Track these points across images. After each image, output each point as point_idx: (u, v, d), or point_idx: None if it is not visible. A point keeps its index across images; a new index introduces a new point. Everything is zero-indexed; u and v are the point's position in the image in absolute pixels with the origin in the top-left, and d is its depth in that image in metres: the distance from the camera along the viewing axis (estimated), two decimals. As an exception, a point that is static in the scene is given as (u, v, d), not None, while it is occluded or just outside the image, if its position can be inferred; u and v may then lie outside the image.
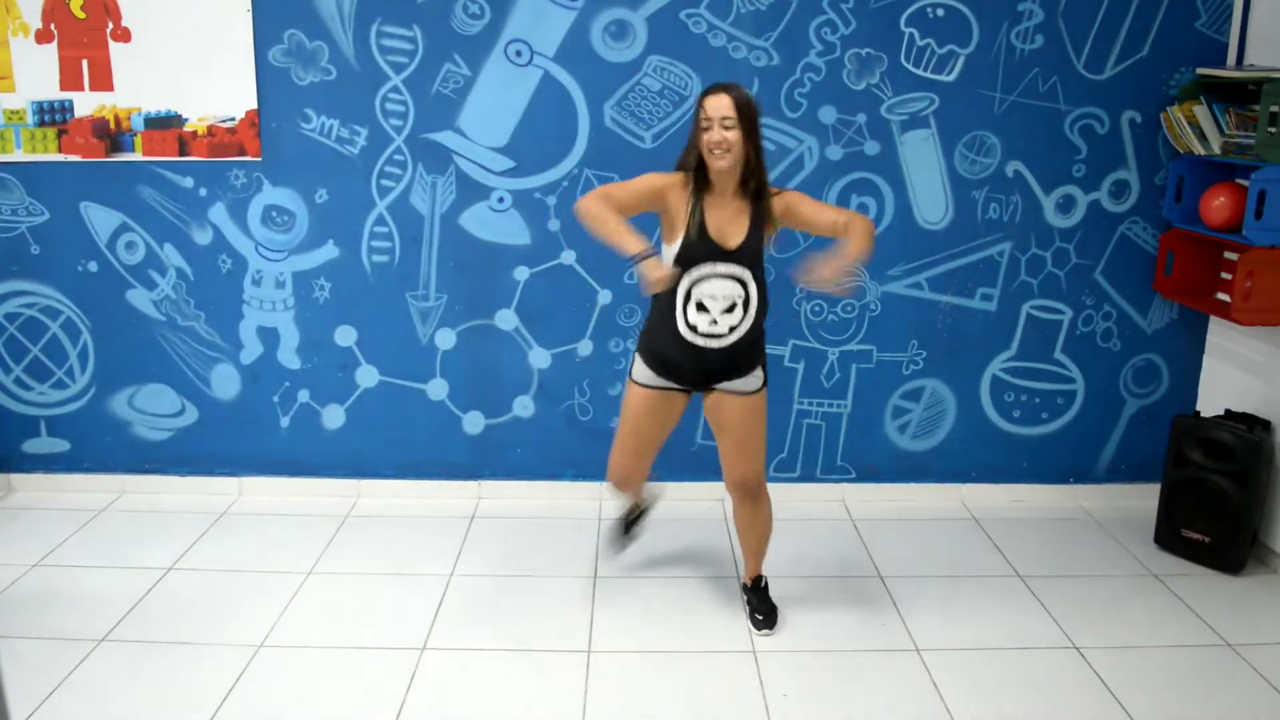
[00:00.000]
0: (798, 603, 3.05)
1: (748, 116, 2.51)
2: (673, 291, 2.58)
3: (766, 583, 2.98)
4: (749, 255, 2.57)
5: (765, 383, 2.75)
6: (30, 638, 2.78)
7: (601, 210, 2.50)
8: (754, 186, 2.58)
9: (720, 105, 2.49)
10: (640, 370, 2.74)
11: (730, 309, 2.57)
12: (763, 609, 2.91)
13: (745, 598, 2.99)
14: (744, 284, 2.58)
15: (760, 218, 2.59)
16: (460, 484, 3.77)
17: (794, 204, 2.63)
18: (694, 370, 2.67)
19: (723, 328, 2.59)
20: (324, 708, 2.52)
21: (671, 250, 2.58)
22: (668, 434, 2.83)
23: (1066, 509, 3.78)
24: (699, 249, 2.55)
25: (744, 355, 2.67)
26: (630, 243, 2.45)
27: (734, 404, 2.71)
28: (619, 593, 3.10)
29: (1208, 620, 2.98)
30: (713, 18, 3.41)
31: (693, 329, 2.59)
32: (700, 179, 2.58)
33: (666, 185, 2.59)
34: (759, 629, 2.88)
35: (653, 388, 2.72)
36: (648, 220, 2.70)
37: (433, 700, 2.56)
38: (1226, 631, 2.91)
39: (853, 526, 3.60)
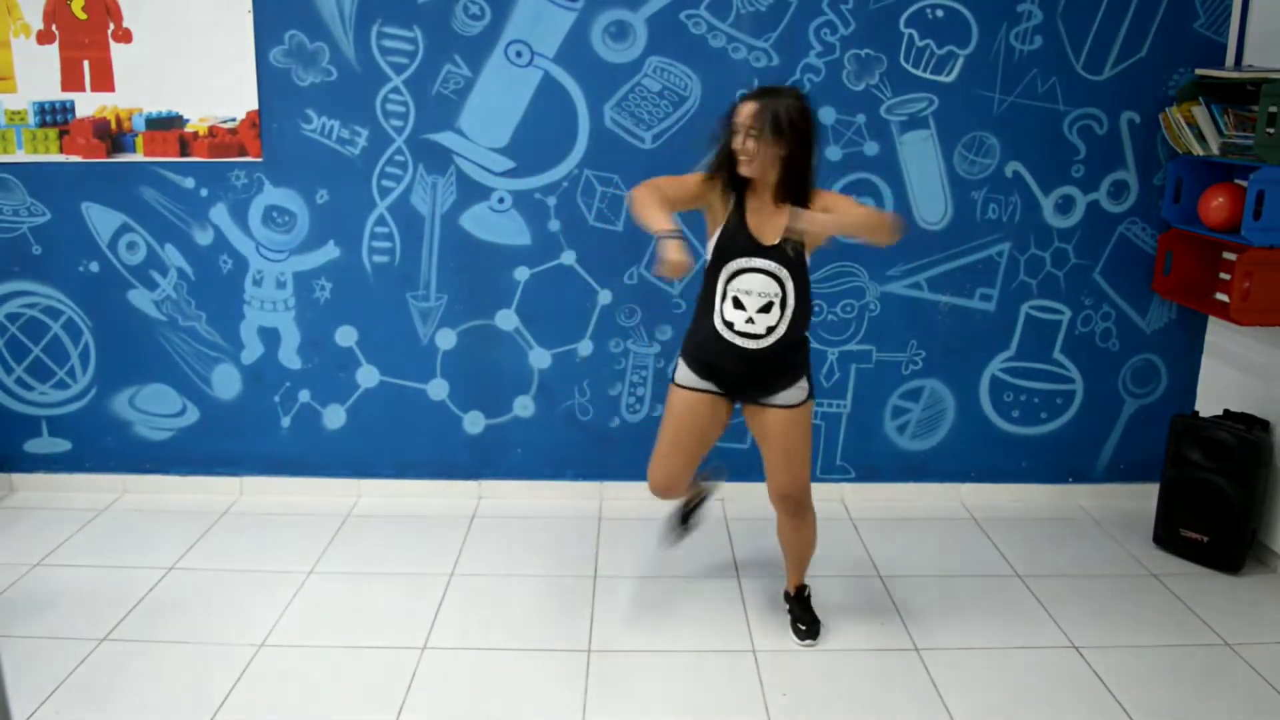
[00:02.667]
0: (797, 602, 3.06)
1: (775, 126, 2.45)
2: (711, 288, 2.59)
3: (810, 593, 2.94)
4: (784, 255, 2.54)
5: (811, 394, 2.69)
6: (31, 637, 2.79)
7: (645, 195, 2.47)
8: (796, 194, 2.53)
9: (744, 111, 2.48)
10: (682, 372, 2.70)
11: (767, 308, 2.54)
12: (805, 619, 2.88)
13: (788, 607, 2.95)
14: (781, 282, 2.54)
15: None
16: (460, 484, 3.78)
17: (831, 205, 2.57)
18: (734, 372, 2.62)
19: (759, 327, 2.55)
20: (324, 708, 2.53)
21: (711, 243, 2.60)
22: (710, 443, 2.75)
23: (1065, 509, 3.79)
24: (736, 240, 2.55)
25: (785, 362, 2.62)
26: (658, 221, 2.39)
27: (777, 416, 2.66)
28: (619, 593, 3.11)
29: (1206, 620, 2.99)
30: (713, 19, 3.41)
31: (729, 325, 2.57)
32: (741, 180, 2.56)
33: (712, 184, 2.59)
34: (801, 639, 2.85)
35: (694, 389, 2.68)
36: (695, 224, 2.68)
37: (433, 700, 2.56)
38: (1225, 631, 2.92)
39: (852, 526, 3.61)
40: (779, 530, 2.87)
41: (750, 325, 2.55)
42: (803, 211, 2.46)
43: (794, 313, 2.57)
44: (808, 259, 2.60)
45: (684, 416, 2.69)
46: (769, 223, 2.56)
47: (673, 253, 2.32)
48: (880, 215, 2.60)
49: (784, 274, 2.54)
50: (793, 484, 2.71)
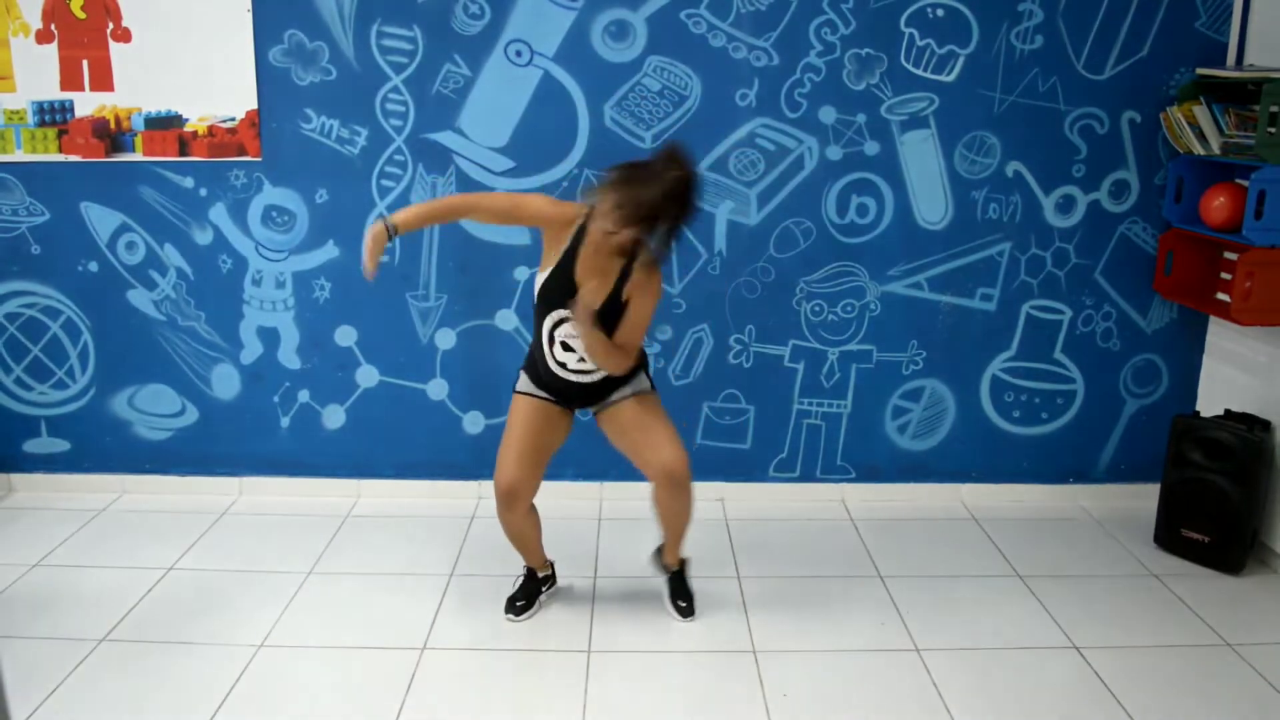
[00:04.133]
0: (798, 603, 3.05)
1: (650, 226, 2.48)
2: (539, 326, 2.69)
3: (689, 567, 3.02)
4: (602, 312, 2.59)
5: (652, 385, 2.83)
6: (30, 638, 2.78)
7: (447, 199, 2.69)
8: (634, 256, 2.59)
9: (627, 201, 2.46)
10: (522, 382, 2.82)
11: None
12: (685, 594, 2.97)
13: (666, 580, 3.01)
14: (608, 332, 2.62)
15: (623, 281, 2.61)
16: (460, 484, 3.77)
17: (640, 297, 2.62)
18: (574, 395, 2.77)
19: (590, 364, 2.67)
20: (324, 708, 2.53)
21: (540, 279, 2.66)
22: (552, 447, 2.82)
23: (1066, 509, 3.78)
24: (560, 289, 2.61)
25: (620, 379, 2.75)
26: (398, 215, 2.66)
27: (628, 405, 2.77)
28: (619, 593, 3.10)
29: (1207, 620, 2.98)
30: (713, 18, 3.41)
31: (562, 365, 2.69)
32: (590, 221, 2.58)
33: (552, 216, 2.64)
34: (684, 616, 2.93)
35: (534, 395, 2.78)
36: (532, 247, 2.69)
37: (433, 700, 2.56)
38: (1226, 631, 2.92)
39: (852, 526, 3.61)
40: (656, 504, 2.85)
41: (582, 363, 2.67)
42: (580, 305, 2.52)
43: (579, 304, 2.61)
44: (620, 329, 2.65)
45: (523, 418, 2.76)
46: (596, 274, 2.60)
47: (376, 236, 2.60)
48: (618, 357, 2.63)
49: (601, 328, 2.60)
50: (674, 458, 2.72)
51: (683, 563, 3.01)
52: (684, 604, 2.95)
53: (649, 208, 2.44)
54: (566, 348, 2.66)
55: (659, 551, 3.04)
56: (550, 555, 3.06)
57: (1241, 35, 3.44)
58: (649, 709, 2.54)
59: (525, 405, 2.78)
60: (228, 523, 3.56)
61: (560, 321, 2.65)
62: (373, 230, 2.65)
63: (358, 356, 3.67)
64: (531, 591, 3.00)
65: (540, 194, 2.72)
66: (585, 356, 2.65)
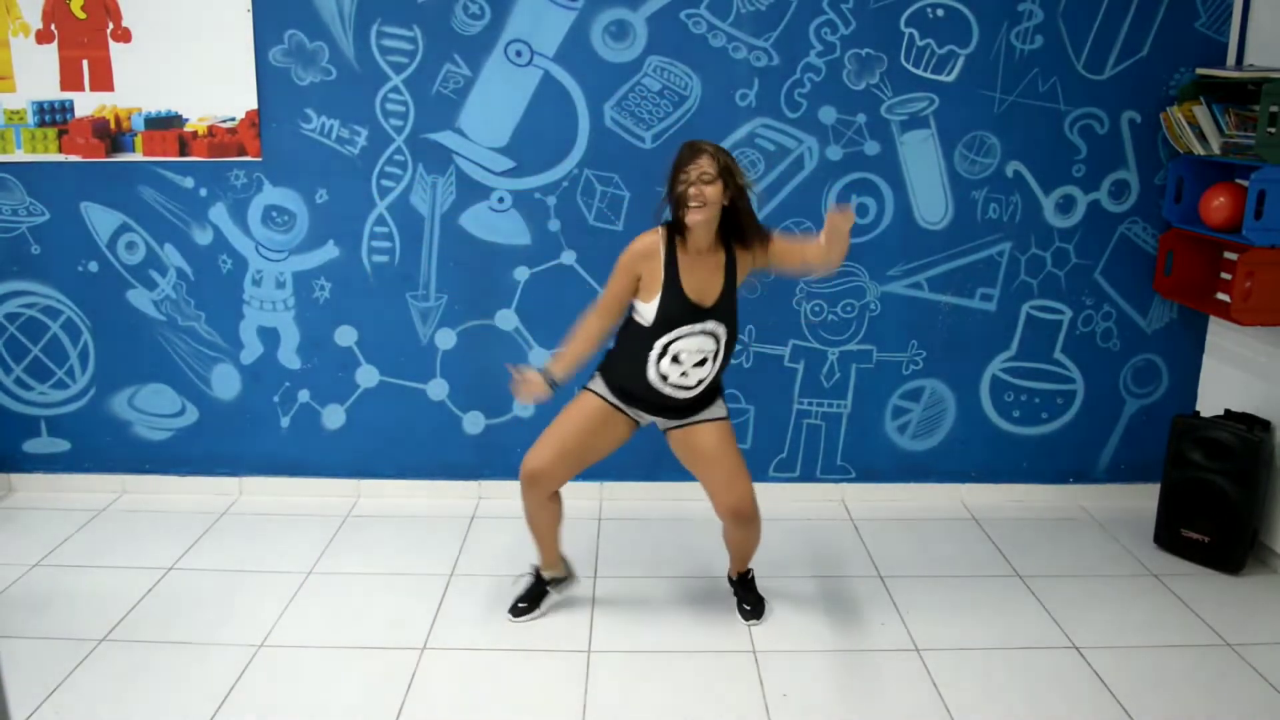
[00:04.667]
0: (798, 603, 3.06)
1: (726, 173, 2.53)
2: (646, 343, 2.63)
3: (754, 575, 3.04)
4: (724, 310, 2.63)
5: (727, 414, 2.81)
6: (31, 637, 2.79)
7: (579, 331, 2.73)
8: (736, 236, 2.63)
9: (700, 164, 2.51)
10: (597, 383, 2.77)
11: (701, 363, 2.64)
12: (750, 599, 2.99)
13: (732, 590, 3.04)
14: (718, 338, 2.65)
15: (734, 267, 2.64)
16: (460, 484, 3.77)
17: (778, 253, 2.68)
18: (655, 407, 2.73)
19: (692, 380, 2.65)
20: (324, 708, 2.53)
21: (649, 308, 2.62)
22: (599, 454, 2.79)
23: (1066, 509, 3.78)
24: (676, 310, 2.60)
25: (703, 398, 2.73)
26: (562, 363, 2.73)
27: (708, 429, 2.74)
28: (619, 593, 3.10)
29: (1207, 620, 2.98)
30: (713, 18, 3.41)
31: (663, 378, 2.65)
32: (676, 234, 2.60)
33: (638, 259, 2.62)
34: (746, 619, 2.95)
35: (606, 400, 2.74)
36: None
37: (433, 700, 2.56)
38: (1226, 631, 2.92)
39: (852, 526, 3.61)
40: (726, 536, 2.89)
41: (684, 378, 2.65)
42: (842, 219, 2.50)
43: (723, 361, 2.69)
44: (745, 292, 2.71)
45: (581, 419, 2.74)
46: (707, 280, 2.62)
47: (528, 386, 2.70)
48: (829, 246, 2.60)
49: (721, 330, 2.64)
50: (742, 498, 2.74)
51: (744, 573, 3.01)
52: (748, 608, 2.96)
53: (728, 162, 2.53)
54: (675, 360, 2.62)
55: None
56: (563, 549, 3.08)
57: (1241, 35, 3.44)
58: (649, 709, 2.54)
59: (592, 404, 2.74)
60: (228, 523, 3.56)
61: (678, 337, 2.61)
62: (532, 384, 2.71)
63: (358, 356, 3.68)
64: (536, 594, 2.97)
65: (619, 261, 2.67)
66: (687, 371, 2.64)
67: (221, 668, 2.67)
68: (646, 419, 2.79)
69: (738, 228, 2.62)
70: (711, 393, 2.77)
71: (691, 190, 2.51)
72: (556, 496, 2.84)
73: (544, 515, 2.85)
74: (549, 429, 2.77)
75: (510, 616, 2.94)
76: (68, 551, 3.33)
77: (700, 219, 2.54)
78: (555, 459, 2.72)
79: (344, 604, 3.02)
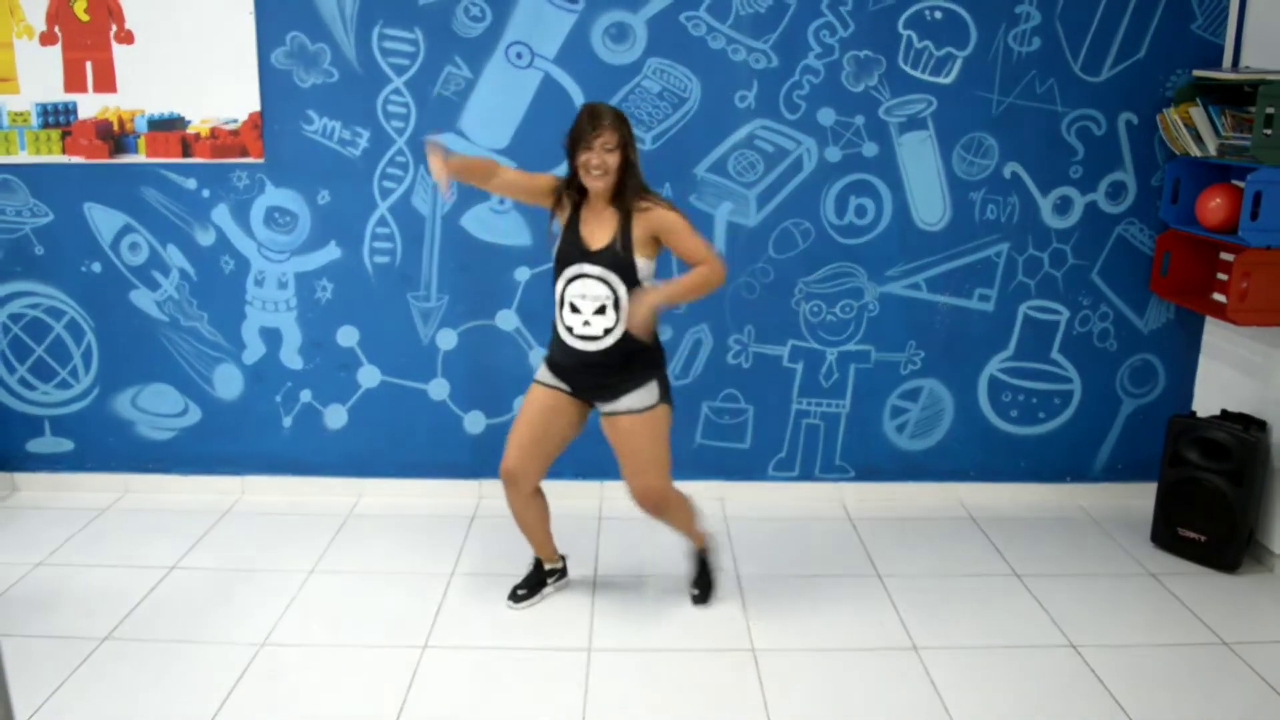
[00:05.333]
0: (797, 602, 3.07)
1: (624, 136, 2.67)
2: (554, 295, 2.77)
3: (707, 553, 3.11)
4: (610, 258, 2.68)
5: (664, 398, 2.82)
6: (33, 636, 2.80)
7: (481, 161, 2.82)
8: (626, 198, 2.71)
9: (603, 136, 2.63)
10: (540, 371, 2.88)
11: (601, 310, 2.69)
12: (700, 582, 3.08)
13: (692, 563, 3.12)
14: (611, 286, 2.69)
15: (628, 223, 2.70)
16: (461, 484, 3.79)
17: (666, 227, 2.71)
18: (580, 374, 2.78)
19: (596, 329, 2.70)
20: (325, 707, 2.54)
21: (553, 248, 2.79)
22: (563, 439, 2.88)
23: (1064, 508, 3.80)
24: (569, 248, 2.73)
25: (628, 365, 2.75)
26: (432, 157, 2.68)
27: (625, 421, 2.79)
28: (619, 593, 3.12)
29: (1204, 619, 3.00)
30: (712, 20, 3.43)
31: (569, 330, 2.74)
32: (579, 192, 2.75)
33: (560, 185, 2.79)
34: (694, 602, 3.03)
35: (548, 385, 2.84)
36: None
37: (433, 700, 2.57)
38: (1223, 630, 2.93)
39: (851, 526, 3.62)
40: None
41: (587, 328, 2.71)
42: (650, 293, 2.66)
43: (626, 315, 2.70)
44: (640, 264, 2.70)
45: (535, 406, 2.84)
46: (599, 227, 2.72)
47: (434, 171, 2.65)
48: (713, 270, 2.70)
49: (613, 278, 2.68)
50: (643, 490, 2.84)
51: (703, 549, 3.09)
52: (696, 592, 3.07)
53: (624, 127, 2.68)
54: (574, 309, 2.71)
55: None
56: (563, 549, 3.10)
57: (1238, 37, 3.45)
58: (649, 708, 2.55)
59: (536, 393, 2.86)
60: (230, 522, 3.57)
61: (572, 279, 2.72)
62: (435, 149, 2.71)
63: (359, 356, 3.69)
64: (534, 582, 3.05)
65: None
66: (589, 320, 2.70)
67: (223, 667, 2.68)
68: (585, 398, 2.85)
69: (619, 186, 2.71)
70: (640, 370, 2.77)
71: (594, 160, 2.64)
72: (539, 493, 2.96)
73: (529, 513, 2.95)
74: (510, 430, 2.88)
75: (510, 603, 3.00)
76: (70, 551, 3.34)
77: (601, 185, 2.68)
78: (519, 454, 2.83)
79: (345, 603, 3.03)
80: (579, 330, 2.72)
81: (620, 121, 2.68)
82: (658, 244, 2.73)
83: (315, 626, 2.90)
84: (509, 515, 3.61)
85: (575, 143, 2.67)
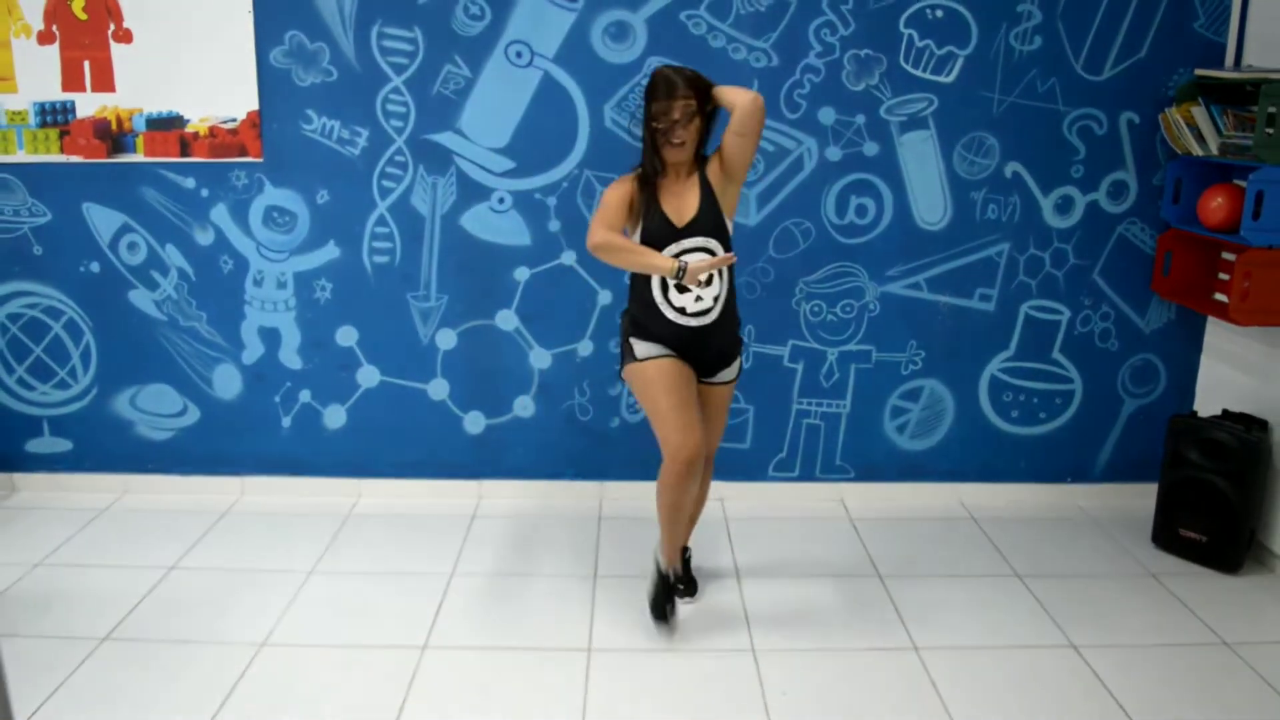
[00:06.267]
0: (797, 602, 3.07)
1: (703, 96, 2.59)
2: (647, 280, 2.67)
3: (690, 554, 3.12)
4: (706, 224, 2.63)
5: (741, 365, 2.87)
6: (32, 637, 2.80)
7: (616, 239, 2.56)
8: (700, 160, 2.68)
9: (678, 104, 2.55)
10: (640, 348, 2.72)
11: (709, 280, 2.64)
12: (685, 578, 3.06)
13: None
14: (712, 251, 2.65)
15: (708, 185, 2.66)
16: (461, 484, 3.78)
17: (723, 146, 2.65)
18: (695, 350, 2.72)
19: (708, 300, 2.65)
20: (324, 708, 2.54)
21: (635, 239, 2.68)
22: (694, 405, 2.70)
23: (1064, 509, 3.79)
24: (661, 231, 2.63)
25: (731, 334, 2.77)
26: (657, 258, 2.55)
27: (722, 392, 2.84)
28: (619, 593, 3.11)
29: (1205, 619, 2.99)
30: (712, 19, 3.42)
31: (681, 311, 2.66)
32: (652, 170, 2.66)
33: (629, 188, 2.66)
34: (680, 598, 2.98)
35: (662, 356, 2.70)
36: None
37: (433, 700, 2.57)
38: (1224, 631, 2.93)
39: (851, 526, 3.62)
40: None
41: (700, 303, 2.65)
42: (690, 268, 2.53)
43: (729, 273, 2.70)
44: (728, 223, 2.69)
45: (667, 376, 2.67)
46: (684, 201, 2.65)
47: (701, 273, 2.53)
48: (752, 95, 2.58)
49: (713, 244, 2.64)
50: (712, 451, 2.93)
51: (684, 548, 3.06)
52: (682, 586, 3.03)
53: (680, 87, 2.55)
54: (681, 289, 2.64)
55: (677, 582, 2.99)
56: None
57: (1240, 36, 3.45)
58: (649, 709, 2.55)
59: (660, 368, 2.68)
60: (229, 522, 3.57)
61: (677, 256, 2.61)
62: (695, 267, 2.55)
63: (359, 356, 3.68)
64: (689, 575, 3.10)
65: (605, 195, 2.67)
66: (700, 295, 2.64)
67: (223, 667, 2.68)
68: (696, 367, 2.76)
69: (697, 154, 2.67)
70: (735, 338, 2.80)
71: (676, 131, 2.56)
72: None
73: (694, 491, 2.77)
74: (657, 421, 2.67)
75: (685, 600, 3.02)
76: (69, 551, 3.34)
77: (685, 156, 2.62)
78: (690, 430, 2.62)
79: (344, 604, 3.03)
80: (692, 308, 2.65)
81: (696, 83, 2.58)
82: (731, 189, 2.68)
83: (315, 627, 2.90)
84: (508, 516, 3.64)
85: (654, 113, 2.57)
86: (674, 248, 2.62)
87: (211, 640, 2.80)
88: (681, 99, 2.55)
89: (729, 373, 2.82)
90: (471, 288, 3.62)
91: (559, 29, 3.41)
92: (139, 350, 3.68)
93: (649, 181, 2.65)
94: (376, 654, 2.76)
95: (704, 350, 2.73)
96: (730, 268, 2.70)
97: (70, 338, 3.68)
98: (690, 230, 2.63)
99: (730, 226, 2.70)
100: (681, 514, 2.79)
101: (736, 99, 2.57)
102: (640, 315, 2.74)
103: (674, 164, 2.64)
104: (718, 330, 2.71)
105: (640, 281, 2.71)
